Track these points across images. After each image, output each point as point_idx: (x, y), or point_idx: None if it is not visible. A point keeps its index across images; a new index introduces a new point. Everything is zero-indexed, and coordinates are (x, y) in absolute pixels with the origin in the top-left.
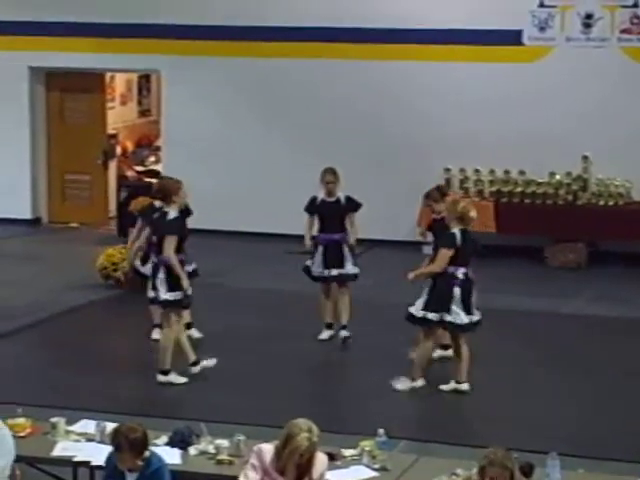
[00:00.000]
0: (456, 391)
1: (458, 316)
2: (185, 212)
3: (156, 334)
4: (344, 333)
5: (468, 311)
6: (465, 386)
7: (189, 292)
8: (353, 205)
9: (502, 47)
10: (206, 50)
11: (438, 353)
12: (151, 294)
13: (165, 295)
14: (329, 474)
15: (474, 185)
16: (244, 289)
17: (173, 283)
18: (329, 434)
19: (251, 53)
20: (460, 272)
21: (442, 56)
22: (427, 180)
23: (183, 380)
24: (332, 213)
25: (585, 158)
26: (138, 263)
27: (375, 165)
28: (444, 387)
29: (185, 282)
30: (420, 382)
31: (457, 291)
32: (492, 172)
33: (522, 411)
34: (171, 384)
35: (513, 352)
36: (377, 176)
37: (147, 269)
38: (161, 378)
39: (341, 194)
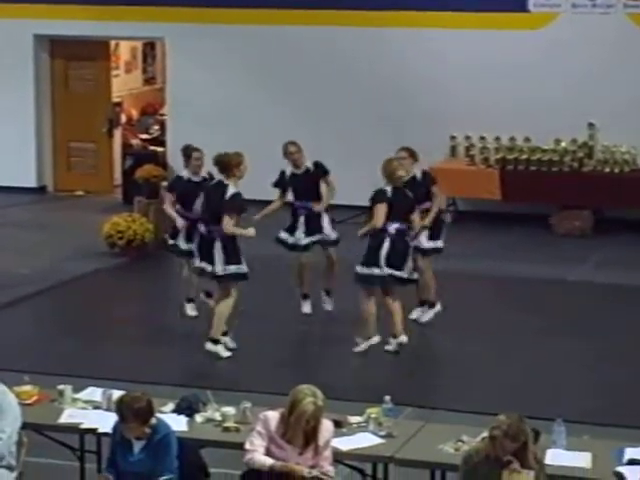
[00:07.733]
0: (400, 345)
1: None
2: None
3: (190, 309)
4: (328, 304)
5: (398, 267)
6: (404, 338)
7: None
8: (322, 170)
9: (508, 14)
10: (210, 18)
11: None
12: (202, 266)
13: (225, 268)
14: (335, 441)
15: (479, 152)
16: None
17: (232, 255)
18: (335, 401)
19: (255, 21)
20: (392, 227)
21: (447, 23)
22: (432, 148)
23: (228, 354)
24: (305, 184)
25: (591, 125)
26: (167, 236)
27: (379, 132)
28: (388, 347)
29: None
30: (376, 338)
31: (386, 245)
32: (497, 139)
33: (527, 378)
34: (218, 356)
35: (518, 319)
36: (381, 143)
37: (189, 245)
38: (209, 347)
39: (308, 162)
